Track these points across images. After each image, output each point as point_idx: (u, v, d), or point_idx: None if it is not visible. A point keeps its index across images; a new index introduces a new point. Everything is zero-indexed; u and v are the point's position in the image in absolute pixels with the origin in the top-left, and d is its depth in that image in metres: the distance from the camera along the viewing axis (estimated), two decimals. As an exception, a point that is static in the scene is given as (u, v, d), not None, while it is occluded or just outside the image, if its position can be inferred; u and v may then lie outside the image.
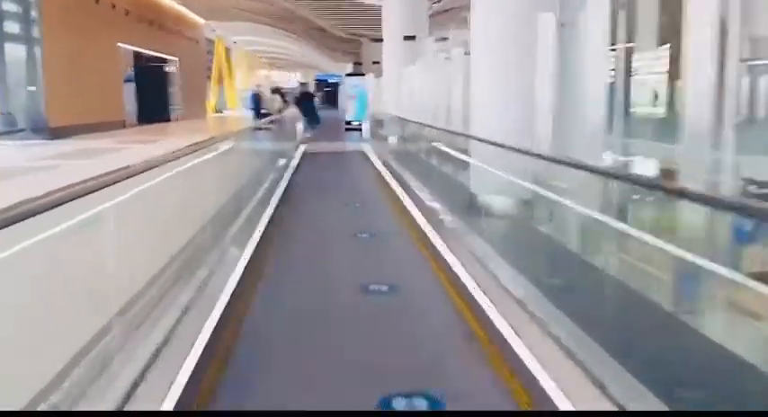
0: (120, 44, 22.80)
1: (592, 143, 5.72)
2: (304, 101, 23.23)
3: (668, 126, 5.86)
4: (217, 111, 41.46)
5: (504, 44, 6.76)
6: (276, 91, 24.82)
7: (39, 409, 2.63)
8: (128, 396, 2.93)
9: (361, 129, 22.05)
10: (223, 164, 7.08)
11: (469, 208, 7.08)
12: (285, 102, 24.42)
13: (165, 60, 28.02)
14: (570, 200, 5.03)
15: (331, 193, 9.82)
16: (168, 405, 2.90)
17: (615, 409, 2.80)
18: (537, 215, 5.91)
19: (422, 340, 4.06)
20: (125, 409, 2.84)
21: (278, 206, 7.79)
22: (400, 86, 17.19)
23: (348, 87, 23.43)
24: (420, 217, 6.86)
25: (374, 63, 25.29)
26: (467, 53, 10.71)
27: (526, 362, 3.34)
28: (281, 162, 12.10)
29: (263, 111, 23.33)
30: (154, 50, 26.62)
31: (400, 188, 9.05)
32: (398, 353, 3.82)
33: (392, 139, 15.12)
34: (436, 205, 7.11)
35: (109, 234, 3.38)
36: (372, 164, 12.97)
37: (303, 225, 7.58)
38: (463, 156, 7.55)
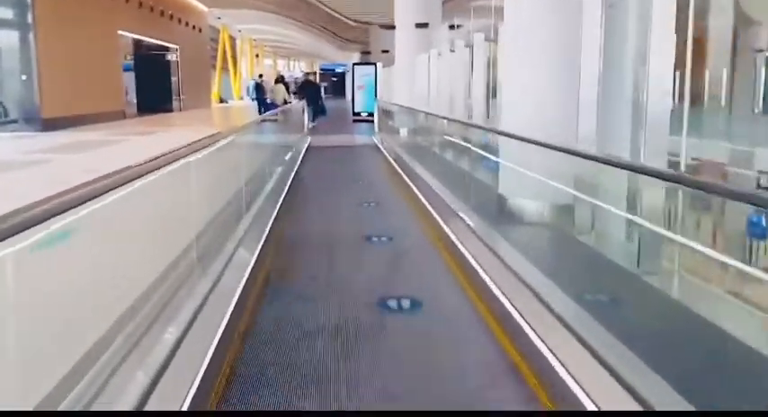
0: (119, 31, 21.98)
1: (654, 141, 4.88)
2: (308, 89, 22.32)
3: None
4: (221, 101, 40.67)
5: (544, 26, 5.89)
6: (280, 80, 23.90)
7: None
8: None
9: (372, 121, 21.21)
10: (218, 165, 6.27)
11: (499, 212, 6.26)
12: (290, 93, 23.54)
13: (166, 48, 27.18)
14: (636, 216, 4.23)
15: (342, 193, 9.00)
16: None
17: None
18: (581, 223, 5.10)
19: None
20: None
21: (279, 216, 6.92)
22: (413, 76, 16.27)
23: (356, 77, 22.52)
24: (442, 222, 6.02)
25: (383, 52, 24.35)
26: (489, 40, 9.87)
27: None
28: (288, 155, 11.31)
29: (268, 101, 22.56)
30: (155, 38, 25.80)
31: (417, 188, 8.18)
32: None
33: (404, 132, 14.26)
34: (459, 207, 6.26)
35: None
36: (385, 158, 12.11)
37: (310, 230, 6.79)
38: (487, 153, 6.76)
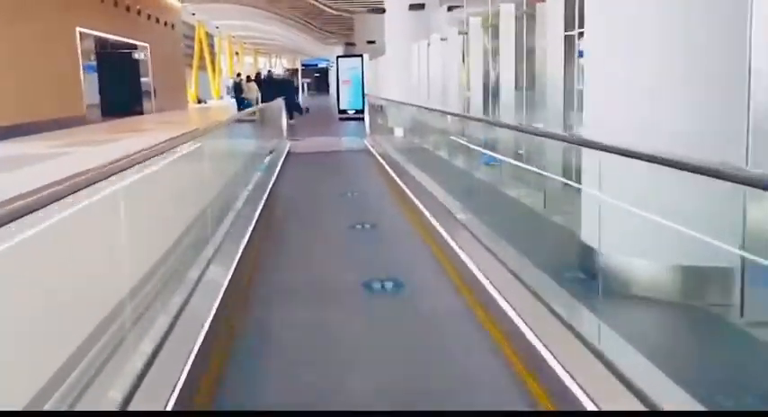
0: (79, 28, 19.90)
1: None
2: (273, 87, 20.51)
3: None
4: (199, 101, 38.57)
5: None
6: (253, 78, 22.13)
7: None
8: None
9: (360, 118, 19.24)
10: (165, 187, 4.40)
11: (583, 272, 4.08)
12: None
13: (134, 46, 25.06)
14: None
15: (329, 215, 7.08)
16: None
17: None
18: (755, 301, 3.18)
19: None
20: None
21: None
22: (408, 66, 14.23)
23: (341, 71, 20.47)
24: (500, 298, 3.63)
25: (369, 42, 22.34)
26: (524, 15, 7.93)
27: None
28: (262, 165, 9.36)
29: (245, 101, 20.83)
30: (121, 36, 23.73)
31: (427, 209, 6.23)
32: None
33: (399, 132, 12.33)
34: (506, 255, 4.19)
35: None
36: (380, 168, 10.00)
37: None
38: (540, 169, 4.91)
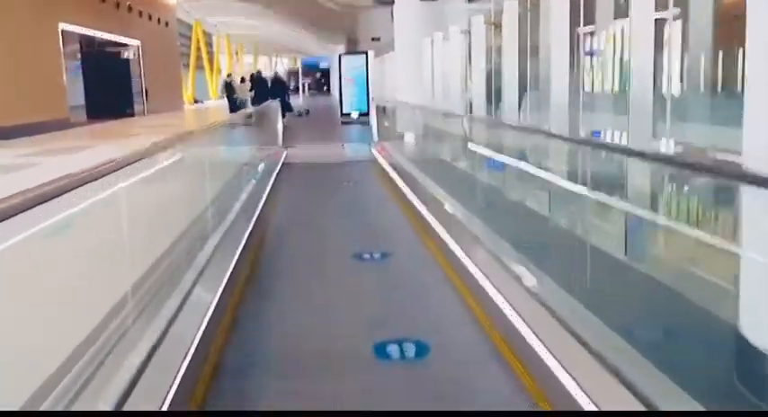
0: (62, 25, 18.50)
1: None
2: (267, 87, 19.33)
3: None
4: (195, 102, 37.18)
5: None
6: (246, 79, 20.88)
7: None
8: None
9: (365, 122, 17.70)
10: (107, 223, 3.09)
11: (746, 386, 2.71)
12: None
13: (124, 45, 23.65)
14: None
15: (337, 255, 5.63)
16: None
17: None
18: None
19: None
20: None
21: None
22: (420, 64, 12.66)
23: (344, 70, 18.99)
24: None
25: (374, 39, 20.89)
26: None
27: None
28: (250, 182, 7.93)
29: (238, 102, 19.48)
30: (110, 33, 22.31)
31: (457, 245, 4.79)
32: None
33: (410, 138, 10.89)
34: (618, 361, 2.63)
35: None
36: (403, 197, 7.74)
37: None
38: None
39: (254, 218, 6.02)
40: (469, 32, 10.81)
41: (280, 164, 9.77)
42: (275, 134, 11.33)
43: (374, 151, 11.01)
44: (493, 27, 9.23)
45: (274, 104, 12.28)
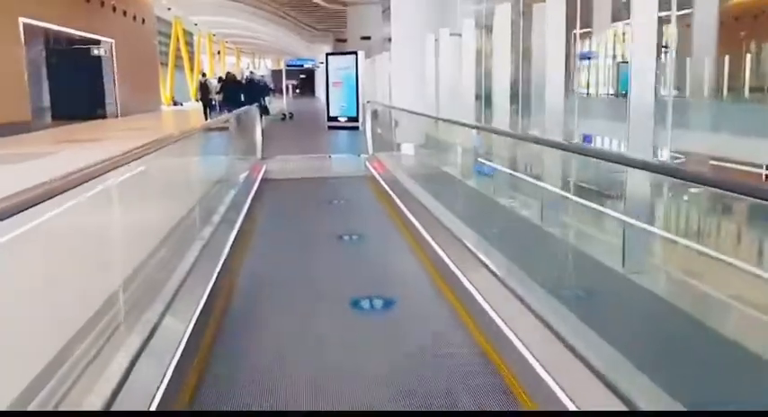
0: (22, 19, 16.93)
1: None
2: (239, 89, 18.01)
3: None
4: (174, 104, 35.55)
5: None
6: (221, 80, 19.51)
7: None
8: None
9: (354, 127, 16.22)
10: None
11: None
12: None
13: (95, 42, 22.05)
14: None
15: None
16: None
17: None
18: None
19: None
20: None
21: None
22: (422, 65, 11.07)
23: (331, 71, 17.52)
24: None
25: (363, 38, 19.46)
26: None
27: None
28: (223, 204, 6.47)
29: (213, 103, 18.11)
30: (79, 29, 20.73)
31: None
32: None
33: (408, 149, 9.49)
34: None
35: None
36: (395, 209, 6.65)
37: None
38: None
39: (226, 251, 4.61)
40: (486, 27, 9.41)
41: (257, 183, 8.06)
42: (254, 145, 9.63)
43: (369, 165, 9.24)
44: (522, 17, 7.82)
45: (252, 111, 10.72)
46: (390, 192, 7.18)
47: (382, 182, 7.88)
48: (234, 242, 5.09)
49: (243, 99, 17.48)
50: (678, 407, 2.13)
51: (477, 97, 9.66)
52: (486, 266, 3.89)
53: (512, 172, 5.86)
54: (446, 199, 5.61)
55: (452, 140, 6.93)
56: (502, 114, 8.39)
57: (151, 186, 4.59)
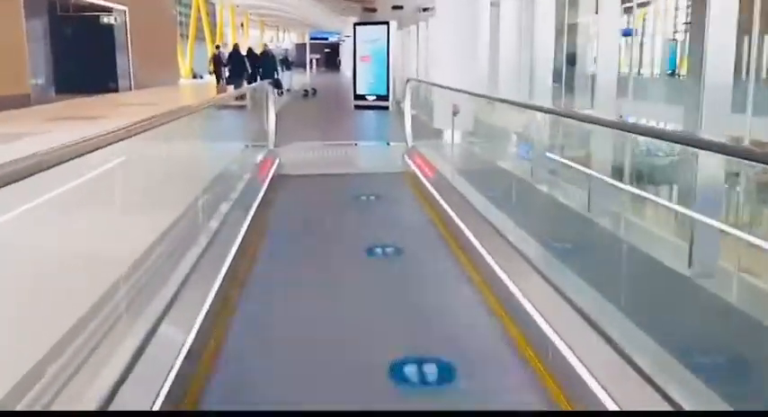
0: (24, -18, 15.49)
1: None
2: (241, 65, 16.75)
3: None
4: (194, 77, 34.09)
5: None
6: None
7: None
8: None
9: (386, 107, 14.52)
10: None
11: None
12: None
13: (106, 9, 20.51)
14: None
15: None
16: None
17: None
18: None
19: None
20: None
21: None
22: (476, 35, 9.07)
23: (359, 43, 15.77)
24: None
25: (395, 7, 17.68)
26: None
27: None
28: (223, 208, 4.91)
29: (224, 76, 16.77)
30: (88, -5, 19.26)
31: None
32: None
33: (453, 138, 7.83)
34: None
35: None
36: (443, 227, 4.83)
37: None
38: None
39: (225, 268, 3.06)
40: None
41: (267, 181, 6.23)
42: (264, 130, 7.68)
43: (408, 161, 7.17)
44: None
45: (263, 87, 9.00)
46: (448, 210, 4.98)
47: (432, 190, 5.78)
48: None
49: (250, 72, 16.17)
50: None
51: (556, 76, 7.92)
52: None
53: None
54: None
55: (522, 130, 5.28)
56: (604, 99, 6.70)
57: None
